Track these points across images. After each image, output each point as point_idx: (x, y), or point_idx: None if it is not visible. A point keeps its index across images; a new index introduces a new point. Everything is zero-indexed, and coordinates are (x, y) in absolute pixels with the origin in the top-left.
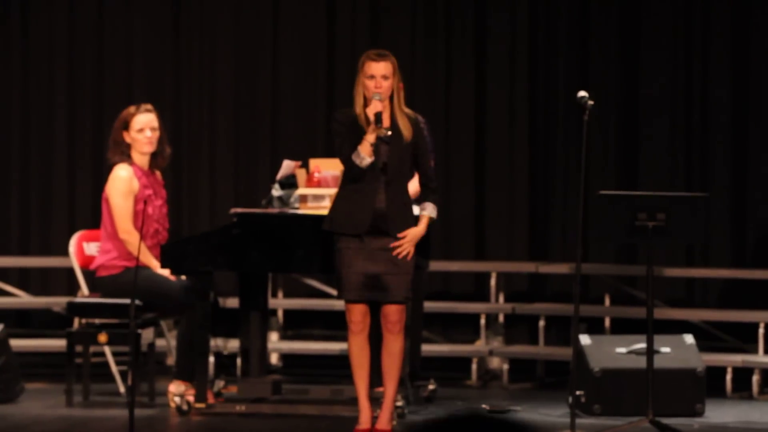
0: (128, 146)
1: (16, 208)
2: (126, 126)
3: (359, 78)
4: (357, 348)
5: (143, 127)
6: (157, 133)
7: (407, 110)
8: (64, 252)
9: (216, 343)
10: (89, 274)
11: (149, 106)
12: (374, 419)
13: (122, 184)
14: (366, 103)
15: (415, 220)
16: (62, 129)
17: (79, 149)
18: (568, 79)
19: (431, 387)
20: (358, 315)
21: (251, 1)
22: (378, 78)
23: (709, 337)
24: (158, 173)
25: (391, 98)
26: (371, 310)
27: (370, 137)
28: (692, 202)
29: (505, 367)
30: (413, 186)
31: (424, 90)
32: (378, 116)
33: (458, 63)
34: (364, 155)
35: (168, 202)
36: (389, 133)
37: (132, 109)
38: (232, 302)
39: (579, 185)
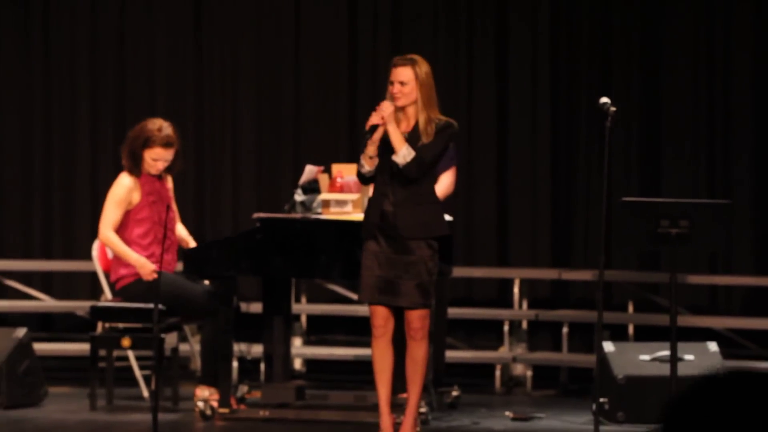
0: (142, 159)
1: (39, 213)
2: (146, 145)
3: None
4: (379, 352)
5: (158, 158)
6: (167, 164)
7: (442, 117)
8: (88, 256)
9: (239, 348)
10: None
11: (173, 137)
12: (397, 425)
13: (120, 192)
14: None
15: (432, 223)
16: (84, 134)
17: (101, 154)
18: (590, 85)
19: (455, 393)
20: (379, 319)
21: (272, 7)
22: (396, 83)
23: (733, 345)
24: (168, 178)
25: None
26: (396, 316)
27: (370, 149)
28: (715, 209)
29: (529, 373)
30: (440, 188)
31: (446, 96)
32: (372, 129)
33: (480, 70)
34: (363, 163)
35: (191, 206)
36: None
37: (156, 131)
38: (256, 307)
39: (602, 192)
